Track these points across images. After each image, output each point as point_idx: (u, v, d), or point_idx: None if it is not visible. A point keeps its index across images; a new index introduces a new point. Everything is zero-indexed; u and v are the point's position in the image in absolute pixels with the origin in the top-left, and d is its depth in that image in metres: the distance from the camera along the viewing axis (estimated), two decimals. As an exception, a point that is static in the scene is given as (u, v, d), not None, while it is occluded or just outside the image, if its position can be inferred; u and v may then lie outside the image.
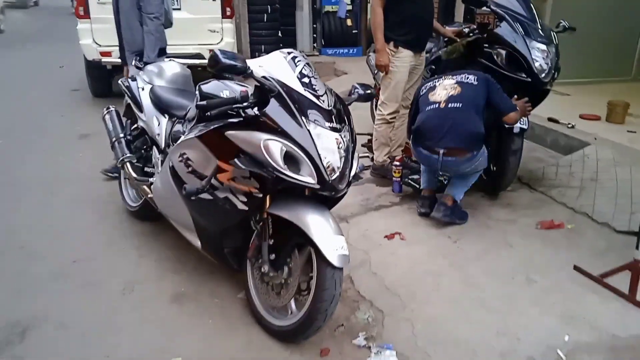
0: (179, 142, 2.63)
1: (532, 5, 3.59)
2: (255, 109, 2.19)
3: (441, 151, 3.08)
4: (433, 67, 4.15)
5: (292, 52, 2.30)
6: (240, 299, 2.64)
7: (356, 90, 2.58)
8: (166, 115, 3.10)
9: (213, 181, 2.33)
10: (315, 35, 9.43)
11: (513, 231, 3.17)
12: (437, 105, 3.17)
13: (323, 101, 2.20)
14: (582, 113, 4.85)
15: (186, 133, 2.64)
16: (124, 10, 4.00)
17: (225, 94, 2.52)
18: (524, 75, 3.39)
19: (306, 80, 2.21)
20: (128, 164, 3.20)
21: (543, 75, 3.36)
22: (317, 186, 2.14)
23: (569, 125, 4.48)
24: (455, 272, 2.77)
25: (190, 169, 2.50)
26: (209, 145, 2.37)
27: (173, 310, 2.59)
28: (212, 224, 2.50)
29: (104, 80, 6.54)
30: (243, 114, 2.22)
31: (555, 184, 3.70)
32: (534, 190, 3.74)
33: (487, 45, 3.59)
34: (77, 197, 3.83)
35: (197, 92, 2.61)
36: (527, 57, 3.37)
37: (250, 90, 2.28)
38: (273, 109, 2.14)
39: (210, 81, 2.63)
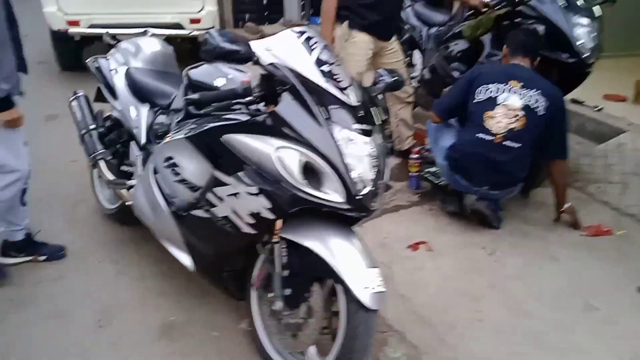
0: (163, 142, 2.12)
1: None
2: (262, 104, 1.72)
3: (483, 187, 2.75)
4: (449, 46, 3.63)
5: (306, 32, 1.81)
6: (243, 330, 2.18)
7: (381, 78, 2.08)
8: (146, 104, 2.58)
9: (208, 195, 1.84)
10: (303, 3, 8.77)
11: (554, 239, 2.76)
12: (491, 138, 2.70)
13: (348, 95, 1.72)
14: (606, 93, 4.41)
15: (172, 130, 2.13)
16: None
17: (219, 82, 2.01)
18: (565, 55, 2.92)
19: (326, 68, 1.72)
20: (101, 162, 2.66)
21: (587, 55, 2.90)
22: (346, 206, 1.68)
23: (596, 108, 4.05)
24: (496, 294, 2.35)
25: (178, 177, 2.01)
26: (202, 150, 1.88)
27: (161, 347, 2.12)
28: (207, 246, 2.02)
29: (72, 52, 5.83)
30: (246, 111, 1.73)
31: (592, 178, 3.28)
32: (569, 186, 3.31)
33: (519, 20, 3.10)
34: (41, 194, 3.24)
35: (184, 80, 2.10)
36: (569, 35, 2.90)
37: (254, 78, 1.78)
38: (286, 106, 1.67)
39: (200, 65, 2.12)
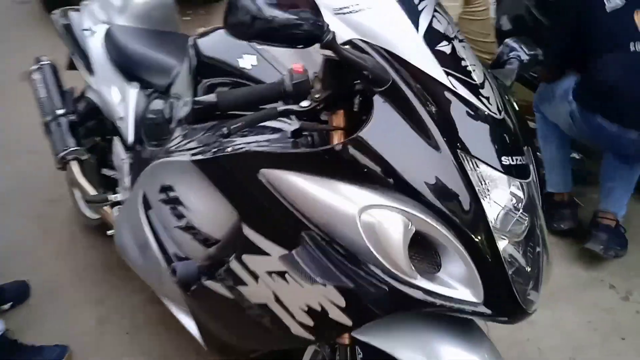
0: (156, 161, 1.32)
1: None
2: (324, 115, 0.97)
3: None
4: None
5: None
6: None
7: (514, 53, 1.32)
8: (136, 83, 1.76)
9: (233, 264, 1.07)
10: None
11: None
12: None
13: (487, 100, 0.94)
14: None
15: (173, 137, 1.35)
16: None
17: (246, 61, 1.21)
18: None
19: (445, 47, 0.96)
20: (74, 164, 1.86)
21: None
22: (485, 310, 0.92)
23: None
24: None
25: (182, 221, 1.24)
26: (223, 187, 1.10)
27: None
28: (229, 336, 1.27)
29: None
30: (297, 123, 0.99)
31: None
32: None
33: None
34: (9, 185, 2.48)
35: (191, 54, 1.32)
36: None
37: (310, 61, 0.98)
38: (381, 127, 0.90)
39: (215, 29, 1.31)
